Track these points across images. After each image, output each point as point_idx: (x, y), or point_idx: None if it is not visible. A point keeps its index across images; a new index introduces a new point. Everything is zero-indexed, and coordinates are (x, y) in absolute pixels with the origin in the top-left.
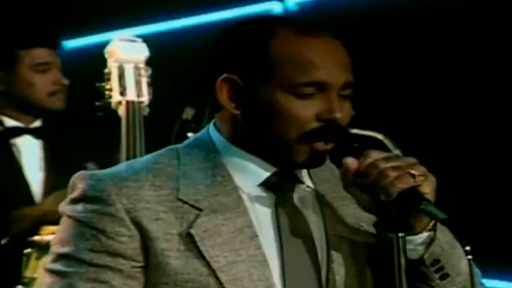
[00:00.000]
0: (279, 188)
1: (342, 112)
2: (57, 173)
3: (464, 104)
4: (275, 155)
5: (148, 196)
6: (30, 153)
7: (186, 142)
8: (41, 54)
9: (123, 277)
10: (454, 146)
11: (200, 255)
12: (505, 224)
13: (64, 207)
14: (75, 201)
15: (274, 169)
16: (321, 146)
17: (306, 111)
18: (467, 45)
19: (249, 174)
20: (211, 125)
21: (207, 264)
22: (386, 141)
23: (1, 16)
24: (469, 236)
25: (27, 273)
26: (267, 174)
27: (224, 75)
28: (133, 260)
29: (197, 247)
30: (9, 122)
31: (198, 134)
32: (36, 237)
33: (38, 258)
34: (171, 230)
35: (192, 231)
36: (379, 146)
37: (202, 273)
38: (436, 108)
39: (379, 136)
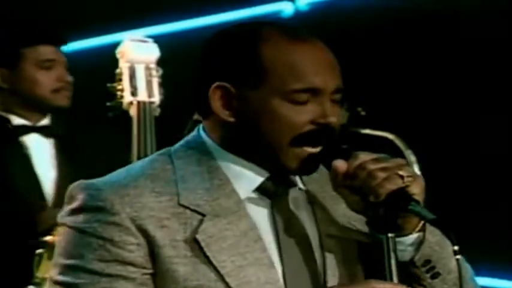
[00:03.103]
0: (273, 193)
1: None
2: (70, 172)
3: (474, 104)
4: (268, 160)
5: (150, 203)
6: (40, 152)
7: (176, 145)
8: (46, 51)
9: (136, 285)
10: (462, 145)
11: (207, 261)
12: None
13: (64, 218)
14: (75, 211)
15: (267, 174)
16: (311, 150)
17: (301, 116)
18: (474, 47)
19: (244, 180)
20: (200, 129)
21: (215, 269)
22: (398, 141)
23: (6, 14)
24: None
25: (39, 274)
26: (261, 179)
27: (216, 84)
28: (144, 268)
29: (204, 253)
30: (17, 120)
31: (188, 137)
32: (49, 238)
33: (50, 258)
34: (176, 236)
35: (198, 236)
36: (391, 146)
37: (211, 278)
38: (448, 108)
39: (390, 136)
